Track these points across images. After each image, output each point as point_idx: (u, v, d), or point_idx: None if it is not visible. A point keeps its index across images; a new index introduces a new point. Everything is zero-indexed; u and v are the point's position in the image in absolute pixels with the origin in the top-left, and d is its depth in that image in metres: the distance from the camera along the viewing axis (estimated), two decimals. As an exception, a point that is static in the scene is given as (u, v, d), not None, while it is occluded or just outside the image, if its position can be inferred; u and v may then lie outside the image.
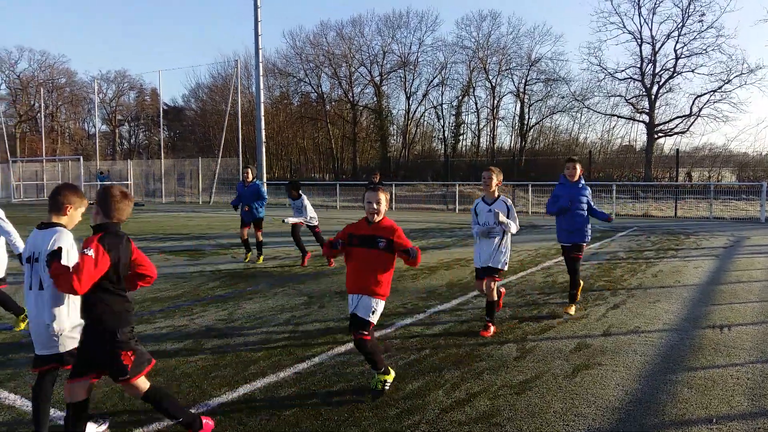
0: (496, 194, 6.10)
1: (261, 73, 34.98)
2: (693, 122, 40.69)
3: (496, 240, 6.00)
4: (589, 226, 7.08)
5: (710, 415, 4.02)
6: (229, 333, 6.09)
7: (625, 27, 41.93)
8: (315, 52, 54.00)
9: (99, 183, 36.26)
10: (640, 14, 41.32)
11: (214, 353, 5.40)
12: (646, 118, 42.07)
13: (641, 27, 41.57)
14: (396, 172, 47.12)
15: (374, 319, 4.50)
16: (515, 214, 6.05)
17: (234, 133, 35.22)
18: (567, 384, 4.57)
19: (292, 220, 10.79)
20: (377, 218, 4.63)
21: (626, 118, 45.78)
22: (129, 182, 37.29)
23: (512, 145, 51.82)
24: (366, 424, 3.87)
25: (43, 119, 51.12)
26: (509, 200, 6.04)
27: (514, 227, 5.94)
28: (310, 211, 10.95)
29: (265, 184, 11.46)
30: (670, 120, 41.83)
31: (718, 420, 3.93)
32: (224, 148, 35.78)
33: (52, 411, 3.75)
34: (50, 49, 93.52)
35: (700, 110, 40.02)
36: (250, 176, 11.08)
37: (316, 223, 11.05)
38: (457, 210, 27.16)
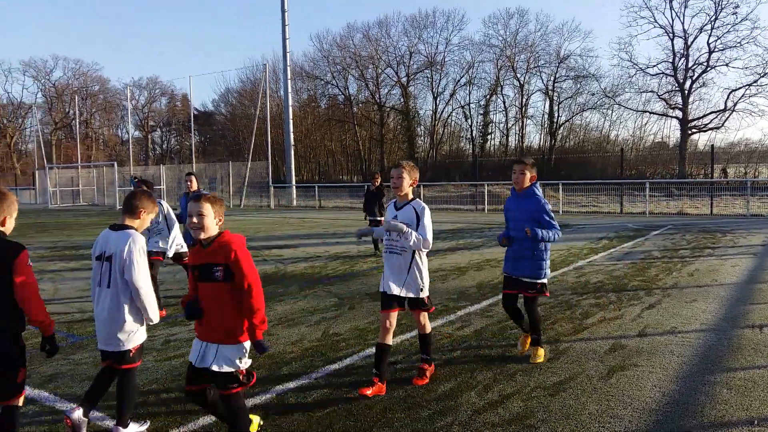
0: (410, 196, 4.65)
1: (289, 77, 35.30)
2: (728, 117, 39.72)
3: (402, 259, 4.47)
4: (547, 254, 5.14)
5: (751, 416, 3.91)
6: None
7: (656, 21, 41.19)
8: (342, 55, 54.26)
9: (133, 188, 36.99)
10: (671, 8, 40.51)
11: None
12: (679, 113, 41.22)
13: (673, 21, 40.77)
14: (423, 173, 47.04)
15: (244, 364, 3.37)
16: (428, 224, 4.45)
17: (263, 137, 35.59)
18: (602, 385, 4.50)
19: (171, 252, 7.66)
20: (203, 235, 3.28)
21: (659, 114, 44.94)
22: (162, 187, 37.98)
23: (542, 143, 51.27)
24: (398, 425, 3.87)
25: (77, 126, 52.48)
26: (423, 205, 4.55)
27: (413, 238, 4.35)
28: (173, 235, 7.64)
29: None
30: (705, 115, 40.92)
31: (760, 422, 3.83)
32: (254, 152, 36.19)
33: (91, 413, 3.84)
34: (84, 58, 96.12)
35: (735, 105, 39.06)
36: (194, 185, 8.44)
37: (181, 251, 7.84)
38: (486, 210, 26.99)
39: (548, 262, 5.17)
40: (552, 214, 5.07)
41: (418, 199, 4.65)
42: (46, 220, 25.49)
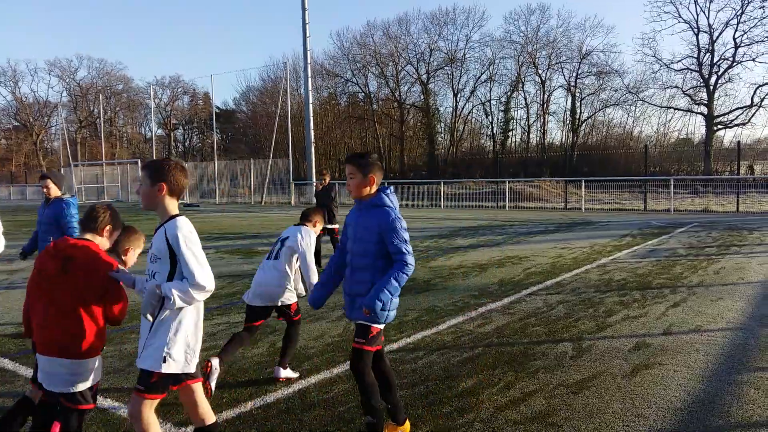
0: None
1: (309, 75, 35.43)
2: (755, 113, 39.06)
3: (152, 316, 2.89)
4: (390, 292, 3.44)
5: (780, 417, 3.84)
6: (284, 330, 6.18)
7: (680, 16, 40.60)
8: (362, 52, 54.33)
9: None
10: (696, 3, 39.91)
11: (269, 349, 5.50)
12: (704, 109, 40.58)
13: (698, 16, 40.15)
14: (444, 170, 46.92)
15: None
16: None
17: (284, 134, 35.77)
18: (626, 384, 4.45)
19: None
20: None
21: (683, 110, 44.34)
22: (184, 184, 38.37)
23: (563, 140, 50.89)
24: (420, 421, 3.87)
25: (102, 124, 53.20)
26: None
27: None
28: None
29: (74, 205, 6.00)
30: (730, 111, 40.25)
31: (789, 423, 3.76)
32: (275, 149, 36.41)
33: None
34: (108, 57, 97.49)
35: (762, 100, 38.33)
36: (52, 191, 6.06)
37: None
38: (507, 207, 26.83)
39: (397, 300, 3.54)
40: (406, 236, 3.43)
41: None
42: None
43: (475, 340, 5.68)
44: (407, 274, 3.39)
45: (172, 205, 2.96)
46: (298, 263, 4.83)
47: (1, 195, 55.11)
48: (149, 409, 2.87)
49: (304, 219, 5.07)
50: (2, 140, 76.10)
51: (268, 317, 4.84)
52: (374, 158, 3.55)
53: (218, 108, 67.90)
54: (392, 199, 3.56)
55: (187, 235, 2.84)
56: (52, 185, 6.04)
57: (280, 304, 4.74)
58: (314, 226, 5.05)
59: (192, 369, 2.93)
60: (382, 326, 3.54)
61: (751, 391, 4.26)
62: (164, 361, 2.81)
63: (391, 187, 3.65)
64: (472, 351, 5.34)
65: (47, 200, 6.05)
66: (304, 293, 4.88)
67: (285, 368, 4.68)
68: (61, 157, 53.45)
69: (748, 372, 4.66)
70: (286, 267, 4.76)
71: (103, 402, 4.28)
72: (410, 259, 3.40)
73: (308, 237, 4.85)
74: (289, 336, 4.80)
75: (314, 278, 4.68)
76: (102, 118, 53.87)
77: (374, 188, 3.50)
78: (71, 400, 2.93)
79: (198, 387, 3.02)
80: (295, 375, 4.72)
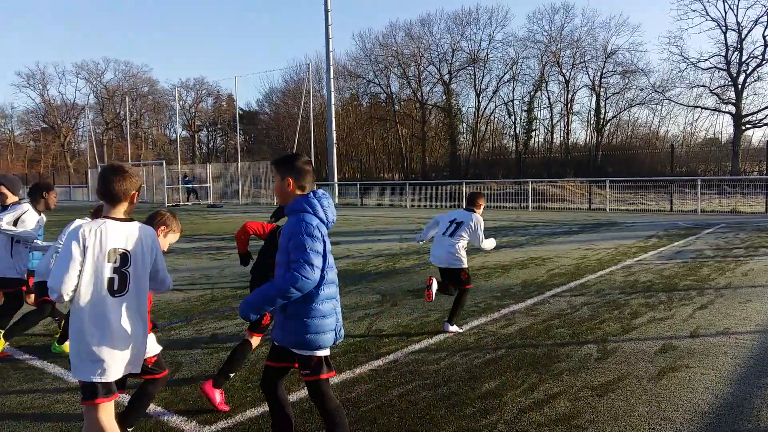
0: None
1: (332, 76, 35.56)
2: (785, 112, 38.12)
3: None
4: (263, 299, 3.01)
5: (813, 423, 3.75)
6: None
7: (708, 14, 39.89)
8: (384, 53, 54.38)
9: (183, 186, 37.92)
10: (724, 0, 39.12)
11: (291, 349, 5.52)
12: (732, 108, 39.80)
13: (726, 13, 39.40)
14: (466, 171, 46.73)
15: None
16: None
17: (306, 135, 35.96)
18: (652, 387, 4.38)
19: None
20: None
21: (711, 110, 43.54)
22: (209, 185, 38.80)
23: (588, 140, 50.32)
24: (442, 422, 3.86)
25: (128, 126, 54.06)
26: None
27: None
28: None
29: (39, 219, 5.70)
30: (759, 110, 39.41)
31: (822, 428, 3.67)
32: (297, 150, 36.58)
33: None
34: (134, 60, 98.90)
35: (793, 99, 37.44)
36: (9, 197, 5.69)
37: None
38: (530, 208, 26.62)
39: (329, 321, 3.09)
40: (313, 245, 2.96)
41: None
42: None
43: (498, 342, 5.64)
44: (295, 287, 2.89)
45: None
46: (468, 238, 6.18)
47: (31, 196, 56.26)
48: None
49: (471, 204, 6.36)
50: (31, 142, 77.74)
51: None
52: (293, 159, 3.20)
53: (241, 109, 68.52)
54: (314, 204, 3.08)
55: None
56: (6, 191, 5.71)
57: (453, 267, 6.10)
58: (479, 208, 6.35)
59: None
60: (321, 353, 3.09)
61: (781, 396, 4.16)
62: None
63: (321, 191, 3.20)
64: (495, 352, 5.31)
65: (3, 206, 5.64)
66: (488, 248, 6.36)
67: (452, 324, 6.07)
68: (88, 158, 54.35)
69: (779, 376, 4.56)
70: (460, 241, 6.13)
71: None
72: (305, 271, 2.89)
73: (477, 218, 6.23)
74: (459, 299, 6.12)
75: (487, 245, 6.26)
76: (128, 120, 54.75)
77: (296, 192, 3.13)
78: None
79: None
80: (460, 330, 6.03)
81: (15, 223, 5.49)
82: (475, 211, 6.31)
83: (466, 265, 6.16)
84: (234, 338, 5.91)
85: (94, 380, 2.80)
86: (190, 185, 38.33)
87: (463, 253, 6.15)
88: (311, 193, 3.14)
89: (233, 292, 8.33)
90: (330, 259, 3.13)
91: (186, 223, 21.98)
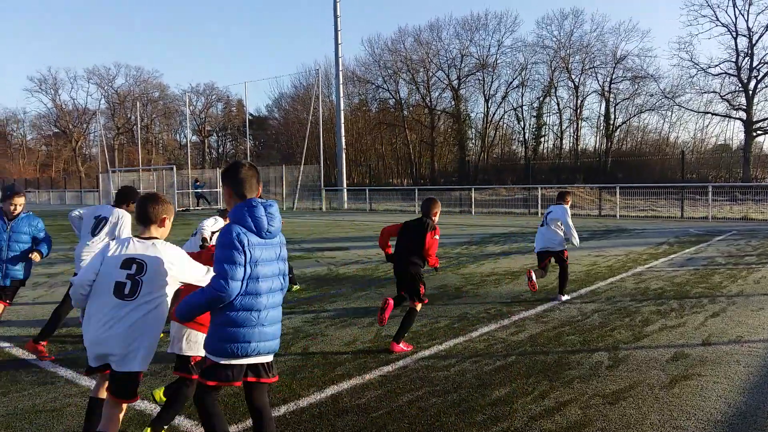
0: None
1: (341, 82, 35.68)
2: (796, 118, 37.85)
3: None
4: (184, 306, 3.02)
5: (827, 433, 3.71)
6: (316, 335, 6.23)
7: (718, 20, 39.73)
8: (393, 59, 54.44)
9: (194, 191, 38.07)
10: (734, 5, 39.01)
11: (301, 354, 5.54)
12: (743, 114, 39.58)
13: (736, 19, 39.24)
14: (475, 176, 46.67)
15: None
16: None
17: (315, 141, 36.05)
18: (664, 395, 4.35)
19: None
20: None
21: (721, 116, 43.31)
22: (218, 190, 38.98)
23: (597, 146, 50.15)
24: (452, 428, 3.84)
25: (138, 131, 54.35)
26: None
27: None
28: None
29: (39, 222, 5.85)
30: (771, 116, 39.12)
31: (837, 439, 3.62)
32: (306, 155, 36.71)
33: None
34: (145, 65, 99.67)
35: (805, 105, 37.18)
36: (18, 207, 5.65)
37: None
38: (539, 214, 26.53)
39: (237, 329, 2.95)
40: (230, 255, 2.90)
41: (240, 208, 3.03)
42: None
43: (508, 348, 5.62)
44: (210, 298, 2.87)
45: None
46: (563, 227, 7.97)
47: (42, 200, 56.68)
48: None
49: (561, 199, 8.20)
50: (42, 146, 78.48)
51: (548, 260, 8.00)
52: (231, 168, 3.14)
53: (251, 115, 68.73)
54: (243, 213, 2.99)
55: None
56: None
57: (552, 250, 7.95)
58: (567, 203, 8.15)
59: None
60: (218, 359, 2.97)
61: (795, 405, 4.12)
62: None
63: (260, 200, 3.08)
64: (505, 359, 5.29)
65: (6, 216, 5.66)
66: (577, 243, 8.29)
67: (564, 295, 7.87)
68: (99, 163, 54.75)
69: (793, 385, 4.51)
70: (555, 229, 7.96)
71: (140, 404, 4.36)
72: (217, 283, 2.85)
73: (565, 211, 7.97)
74: (562, 274, 7.97)
75: (575, 234, 8.03)
76: (139, 125, 55.04)
77: (235, 200, 3.08)
78: None
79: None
80: (568, 297, 7.92)
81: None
82: (563, 204, 8.14)
83: (564, 248, 8.02)
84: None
85: None
86: (200, 190, 38.49)
87: (561, 239, 8.00)
88: (245, 202, 3.05)
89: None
90: (265, 269, 2.99)
91: (196, 228, 22.08)
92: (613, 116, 47.86)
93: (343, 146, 36.34)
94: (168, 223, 3.42)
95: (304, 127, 41.35)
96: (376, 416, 4.07)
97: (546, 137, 52.79)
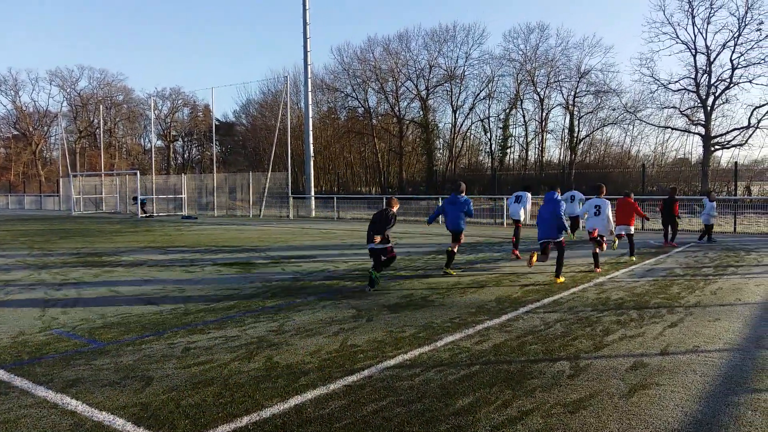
0: None
1: (309, 89, 35.60)
2: (751, 134, 39.28)
3: None
4: None
5: (778, 440, 3.83)
6: (280, 344, 6.18)
7: (678, 37, 40.99)
8: (362, 68, 54.68)
9: (135, 196, 36.68)
10: (693, 24, 40.32)
11: (265, 364, 5.48)
12: (701, 130, 40.83)
13: (695, 37, 40.55)
14: (442, 185, 46.99)
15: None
16: None
17: (283, 148, 35.84)
18: (623, 404, 4.44)
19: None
20: None
21: (681, 131, 44.57)
22: (183, 196, 38.37)
23: (561, 158, 51.11)
24: (417, 439, 3.85)
25: (101, 135, 53.22)
26: None
27: None
28: None
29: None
30: (728, 132, 40.51)
31: (787, 446, 3.75)
32: (274, 162, 36.46)
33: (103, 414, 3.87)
34: (109, 68, 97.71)
35: (759, 122, 38.59)
36: None
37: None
38: (505, 224, 26.84)
39: None
40: None
41: None
42: (70, 227, 25.87)
43: (473, 358, 5.67)
44: None
45: None
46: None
47: (0, 204, 55.05)
48: None
49: (598, 192, 12.00)
50: (1, 149, 76.15)
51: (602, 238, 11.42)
52: None
53: (218, 120, 68.12)
54: None
55: None
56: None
57: (604, 232, 11.63)
58: (603, 194, 11.82)
59: None
60: None
61: (748, 413, 4.25)
62: None
63: None
64: (469, 368, 5.33)
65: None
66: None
67: (598, 269, 11.35)
68: (59, 166, 53.42)
69: (746, 393, 4.65)
70: (609, 216, 11.64)
71: (98, 415, 4.25)
72: None
73: (607, 204, 11.69)
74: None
75: (611, 225, 11.80)
76: (102, 129, 53.91)
77: None
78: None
79: None
80: (599, 270, 11.19)
81: None
82: (600, 197, 11.96)
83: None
84: (207, 352, 5.84)
85: None
86: (141, 200, 36.70)
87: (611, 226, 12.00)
88: None
89: (206, 305, 8.24)
90: None
91: (159, 234, 21.70)
92: (577, 129, 48.89)
93: (312, 154, 36.22)
94: None
95: (271, 134, 41.05)
96: (339, 426, 4.05)
97: (512, 148, 53.66)
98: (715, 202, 17.66)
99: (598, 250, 11.52)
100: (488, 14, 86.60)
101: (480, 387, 4.82)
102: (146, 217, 34.95)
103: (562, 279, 10.10)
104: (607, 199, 12.00)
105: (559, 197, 10.44)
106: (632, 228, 13.03)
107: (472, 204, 11.15)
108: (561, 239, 10.30)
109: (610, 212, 11.57)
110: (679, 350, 5.89)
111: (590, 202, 12.00)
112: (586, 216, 12.06)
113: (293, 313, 7.70)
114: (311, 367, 5.36)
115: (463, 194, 11.14)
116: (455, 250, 11.10)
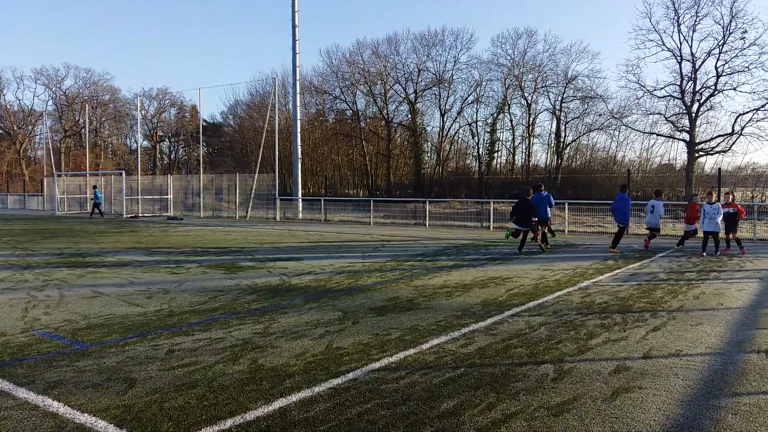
0: None
1: (298, 91, 35.53)
2: (735, 141, 39.61)
3: None
4: None
5: (757, 443, 3.88)
6: (265, 346, 6.16)
7: (664, 44, 41.31)
8: (351, 70, 54.69)
9: (92, 198, 36.25)
10: (679, 32, 40.65)
11: (250, 366, 5.46)
12: (686, 136, 41.22)
13: (681, 44, 40.89)
14: (430, 189, 47.10)
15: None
16: None
17: (270, 149, 35.74)
18: (606, 407, 4.48)
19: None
20: None
21: (666, 137, 44.97)
22: (169, 196, 38.11)
23: (548, 162, 51.43)
24: (401, 441, 3.85)
25: (87, 135, 52.84)
26: None
27: None
28: None
29: None
30: (712, 138, 40.90)
31: (766, 449, 3.80)
32: (261, 164, 36.35)
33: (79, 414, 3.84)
34: (95, 67, 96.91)
35: (743, 129, 38.98)
36: None
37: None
38: (491, 228, 26.96)
39: None
40: None
41: None
42: (53, 227, 25.61)
43: (458, 361, 5.68)
44: None
45: None
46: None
47: (-19, 203, 54.36)
48: None
49: (658, 196, 17.00)
50: (-16, 148, 75.24)
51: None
52: None
53: (205, 121, 67.78)
54: None
55: None
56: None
57: (654, 227, 16.84)
58: (660, 197, 16.01)
59: None
60: None
61: (729, 416, 4.30)
62: None
63: None
64: (454, 371, 5.35)
65: None
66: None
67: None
68: (44, 166, 52.86)
69: (726, 397, 4.71)
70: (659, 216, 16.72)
71: (80, 417, 4.22)
72: None
73: (662, 204, 16.35)
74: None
75: (654, 220, 16.68)
76: (87, 128, 53.52)
77: None
78: None
79: None
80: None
81: None
82: (659, 198, 15.80)
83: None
84: (191, 354, 5.81)
85: None
86: (98, 198, 36.04)
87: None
88: None
89: (191, 307, 8.19)
90: None
91: (144, 235, 21.54)
92: (563, 134, 49.22)
93: (299, 156, 36.15)
94: None
95: (259, 135, 40.93)
96: (324, 429, 4.04)
97: (499, 152, 53.89)
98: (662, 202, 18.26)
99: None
100: (477, 19, 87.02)
101: (465, 390, 4.84)
102: (96, 215, 34.30)
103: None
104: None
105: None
106: (695, 226, 16.75)
107: (552, 197, 17.21)
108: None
109: (661, 210, 17.11)
110: (662, 354, 5.95)
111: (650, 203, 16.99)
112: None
113: (279, 315, 7.67)
114: (296, 370, 5.35)
115: (544, 191, 17.50)
116: (546, 230, 16.68)
